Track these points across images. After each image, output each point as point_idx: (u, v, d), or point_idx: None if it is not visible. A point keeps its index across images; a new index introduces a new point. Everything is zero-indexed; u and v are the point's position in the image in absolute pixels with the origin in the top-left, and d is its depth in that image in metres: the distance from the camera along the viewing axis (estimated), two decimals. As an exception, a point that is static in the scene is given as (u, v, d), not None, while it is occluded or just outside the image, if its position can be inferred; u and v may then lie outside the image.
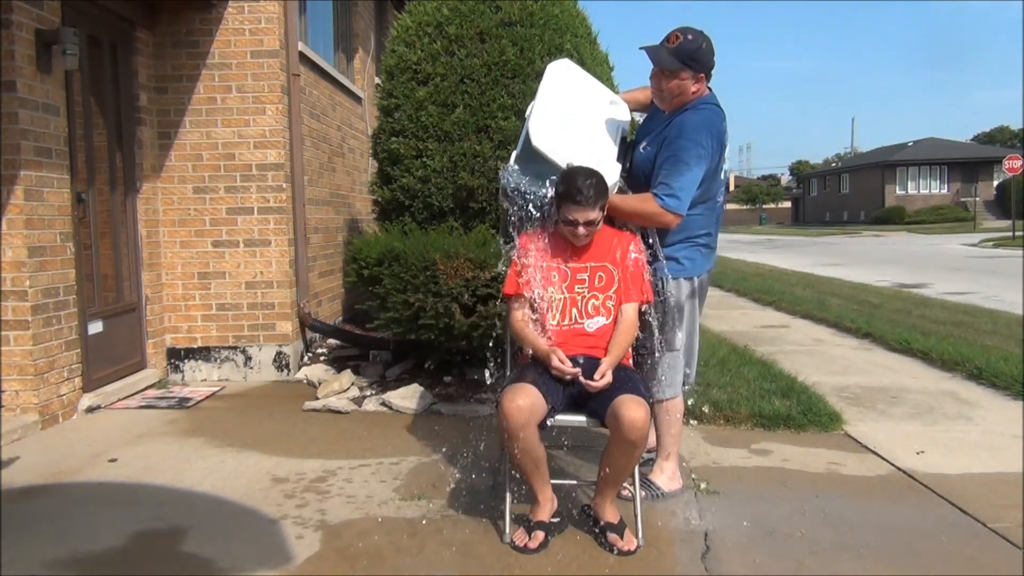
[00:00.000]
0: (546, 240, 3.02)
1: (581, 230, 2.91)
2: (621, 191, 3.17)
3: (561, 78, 3.30)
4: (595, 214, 2.90)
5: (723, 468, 3.66)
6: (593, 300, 3.00)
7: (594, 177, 2.89)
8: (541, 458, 2.83)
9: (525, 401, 2.72)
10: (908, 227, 40.20)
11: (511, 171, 3.08)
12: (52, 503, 3.26)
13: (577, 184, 2.85)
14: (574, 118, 3.19)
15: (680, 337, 3.28)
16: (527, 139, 3.09)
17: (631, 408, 2.68)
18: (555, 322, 2.98)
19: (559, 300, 2.99)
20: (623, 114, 3.37)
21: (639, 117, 3.63)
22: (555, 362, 2.85)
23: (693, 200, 3.11)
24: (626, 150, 3.31)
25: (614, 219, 3.14)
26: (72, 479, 3.51)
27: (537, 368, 2.90)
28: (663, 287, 3.20)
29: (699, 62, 3.10)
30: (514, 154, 3.18)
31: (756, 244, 29.69)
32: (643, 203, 3.09)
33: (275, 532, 2.98)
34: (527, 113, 3.24)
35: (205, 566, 2.71)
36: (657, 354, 3.22)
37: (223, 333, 5.61)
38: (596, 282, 3.00)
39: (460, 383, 4.94)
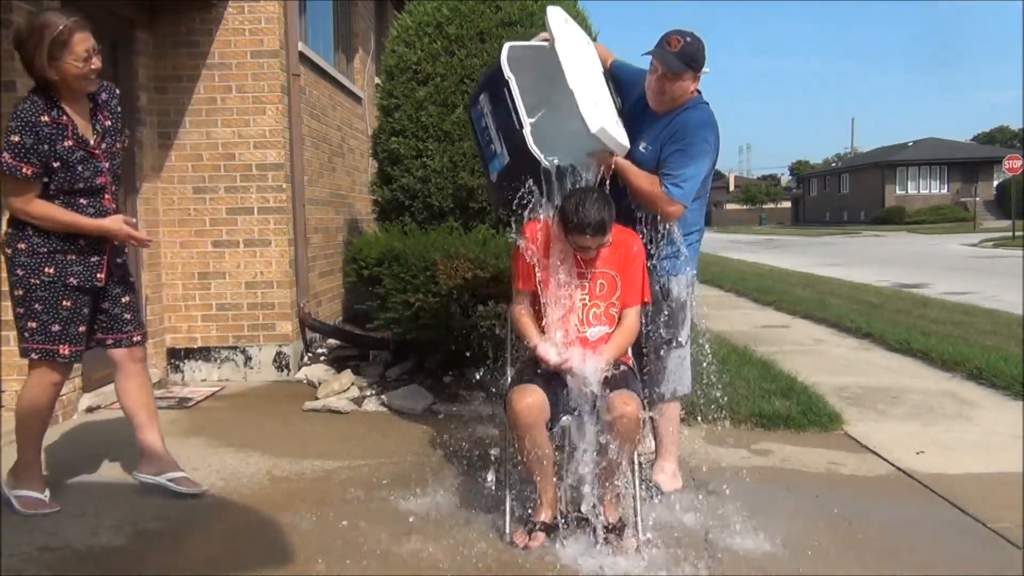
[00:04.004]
0: (551, 233, 2.97)
1: (591, 253, 2.92)
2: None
3: (571, 41, 3.16)
4: (606, 239, 2.88)
5: (723, 468, 3.66)
6: (594, 309, 2.97)
7: (607, 208, 2.81)
8: (549, 458, 2.83)
9: (534, 399, 2.73)
10: (908, 227, 40.19)
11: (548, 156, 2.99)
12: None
13: (591, 218, 2.76)
14: (593, 87, 3.11)
15: (685, 332, 3.31)
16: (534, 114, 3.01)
17: (622, 401, 2.70)
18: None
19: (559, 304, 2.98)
20: (597, 58, 3.38)
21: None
22: (540, 350, 2.85)
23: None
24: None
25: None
26: (72, 479, 3.50)
27: (538, 368, 2.90)
28: (668, 284, 3.23)
29: (698, 63, 3.18)
30: (524, 117, 2.98)
31: (756, 244, 29.69)
32: (652, 184, 3.12)
33: (275, 532, 2.98)
34: (502, 54, 3.06)
35: (205, 566, 2.70)
36: (663, 351, 3.25)
37: (223, 333, 5.60)
38: (597, 290, 2.97)
39: (460, 383, 4.94)
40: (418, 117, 4.83)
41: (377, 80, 6.04)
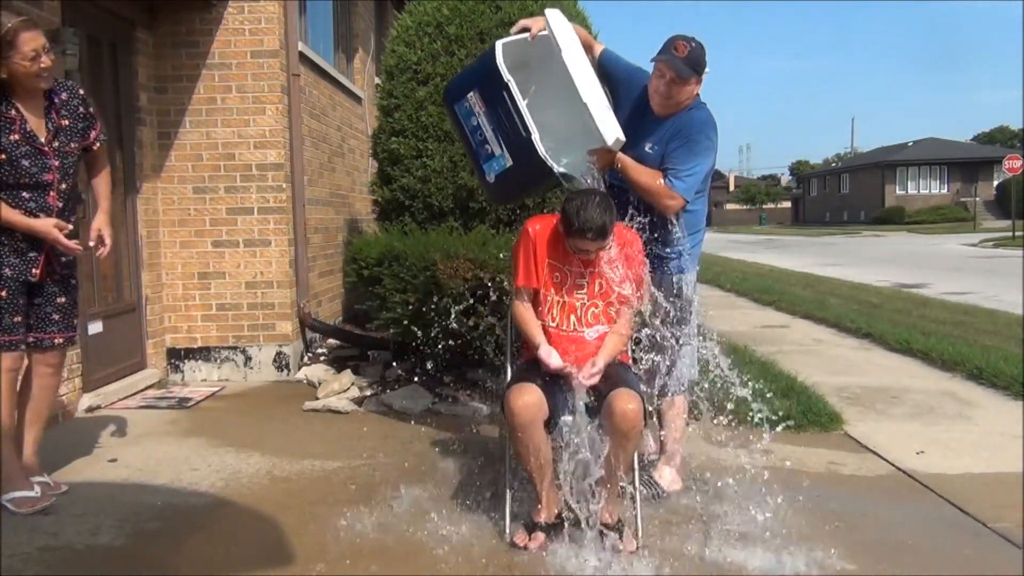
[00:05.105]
0: (551, 231, 2.97)
1: (591, 255, 2.92)
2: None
3: (572, 45, 3.15)
4: (607, 242, 2.88)
5: (723, 468, 3.66)
6: (593, 308, 2.97)
7: (608, 212, 2.81)
8: (547, 458, 2.82)
9: (531, 398, 2.73)
10: (908, 227, 40.18)
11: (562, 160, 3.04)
12: (52, 503, 3.26)
13: (593, 222, 2.76)
14: (594, 90, 3.13)
15: (693, 329, 3.37)
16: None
17: (623, 400, 2.70)
18: (554, 324, 2.97)
19: (558, 302, 2.98)
20: (582, 48, 3.34)
21: None
22: (542, 352, 2.85)
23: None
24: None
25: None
26: (72, 479, 3.50)
27: (538, 368, 2.90)
28: (678, 282, 3.29)
29: (703, 67, 3.25)
30: (531, 125, 2.99)
31: (756, 244, 29.69)
32: (653, 178, 3.19)
33: (275, 532, 2.98)
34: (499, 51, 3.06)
35: (205, 566, 2.70)
36: (672, 349, 3.29)
37: (223, 333, 5.61)
38: (596, 289, 2.97)
39: (460, 383, 4.94)
40: (418, 117, 4.83)
41: (377, 80, 6.04)
